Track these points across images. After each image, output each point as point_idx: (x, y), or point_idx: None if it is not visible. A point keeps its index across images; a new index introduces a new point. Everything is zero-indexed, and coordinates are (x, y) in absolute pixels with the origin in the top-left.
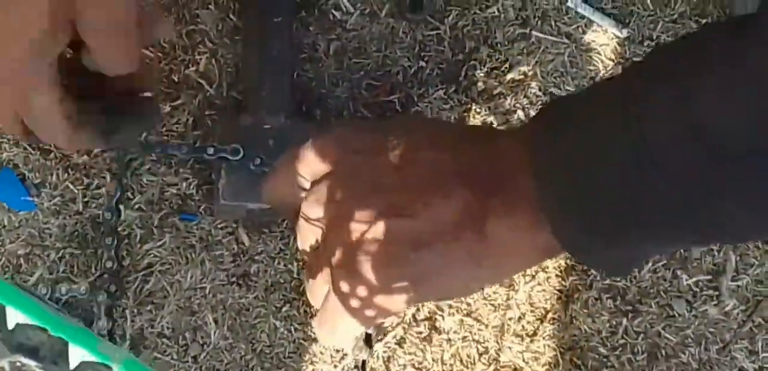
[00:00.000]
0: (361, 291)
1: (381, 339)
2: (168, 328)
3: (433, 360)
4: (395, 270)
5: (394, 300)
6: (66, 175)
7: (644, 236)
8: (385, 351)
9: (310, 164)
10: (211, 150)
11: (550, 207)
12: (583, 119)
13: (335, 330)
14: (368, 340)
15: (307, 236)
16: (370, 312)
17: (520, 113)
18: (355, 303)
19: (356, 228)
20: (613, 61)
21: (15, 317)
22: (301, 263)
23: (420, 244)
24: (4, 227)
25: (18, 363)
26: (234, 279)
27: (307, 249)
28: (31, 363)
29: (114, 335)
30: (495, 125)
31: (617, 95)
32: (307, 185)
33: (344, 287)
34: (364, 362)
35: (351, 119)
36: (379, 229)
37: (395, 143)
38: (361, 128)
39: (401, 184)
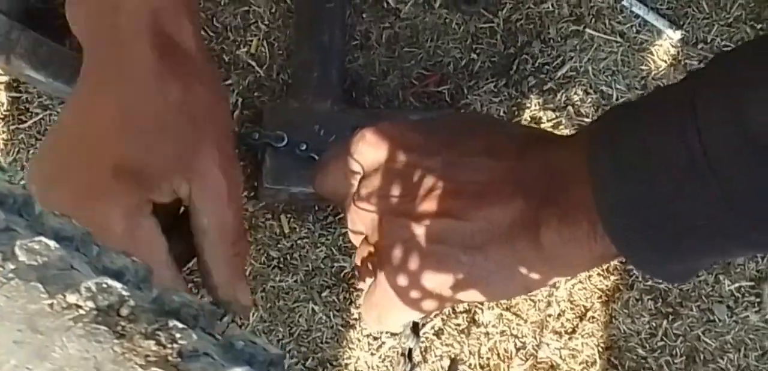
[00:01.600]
0: (411, 282)
1: (422, 328)
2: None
3: (470, 352)
4: (446, 270)
5: (442, 295)
6: None
7: (701, 245)
8: (422, 342)
9: (364, 155)
10: (256, 135)
11: (608, 217)
12: (639, 129)
13: (383, 316)
14: (415, 328)
15: (358, 223)
16: (417, 303)
17: (569, 109)
18: (404, 291)
19: (410, 225)
20: (665, 62)
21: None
22: (347, 248)
23: (472, 247)
24: None
25: (104, 284)
26: (275, 262)
27: (357, 236)
28: (117, 285)
29: None
30: (544, 122)
31: (675, 104)
32: (358, 175)
33: (395, 277)
34: (410, 350)
35: (403, 111)
36: (433, 228)
37: (451, 143)
38: (416, 124)
39: (456, 187)
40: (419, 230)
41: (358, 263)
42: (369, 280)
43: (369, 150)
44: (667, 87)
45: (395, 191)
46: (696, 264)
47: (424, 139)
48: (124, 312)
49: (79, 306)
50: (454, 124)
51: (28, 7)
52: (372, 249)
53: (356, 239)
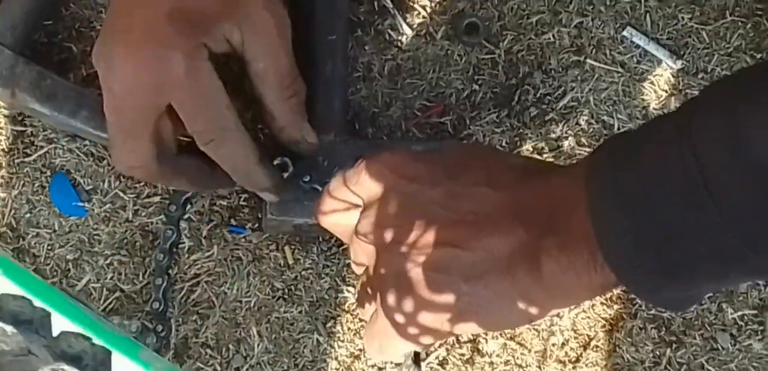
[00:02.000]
0: (411, 314)
1: (425, 360)
2: (212, 339)
3: None
4: (446, 299)
5: (442, 326)
6: (117, 182)
7: (702, 272)
8: None
9: (364, 186)
10: None
11: (607, 246)
12: (638, 158)
13: (384, 346)
14: (417, 359)
15: (360, 255)
16: (417, 335)
17: (571, 139)
18: (403, 324)
19: (410, 254)
20: (666, 92)
21: (60, 324)
22: (351, 279)
23: (472, 277)
24: (55, 231)
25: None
26: (279, 293)
27: (360, 267)
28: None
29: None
30: (546, 152)
31: (673, 131)
32: (360, 207)
33: (394, 308)
34: None
35: (405, 142)
36: (433, 257)
37: (451, 174)
38: (417, 154)
39: (457, 217)
40: (419, 260)
41: (360, 294)
42: (370, 309)
43: (369, 181)
44: (664, 115)
45: (395, 221)
46: (697, 292)
47: (424, 169)
48: None
49: None
50: (455, 155)
51: (31, 42)
52: (374, 279)
53: (358, 270)
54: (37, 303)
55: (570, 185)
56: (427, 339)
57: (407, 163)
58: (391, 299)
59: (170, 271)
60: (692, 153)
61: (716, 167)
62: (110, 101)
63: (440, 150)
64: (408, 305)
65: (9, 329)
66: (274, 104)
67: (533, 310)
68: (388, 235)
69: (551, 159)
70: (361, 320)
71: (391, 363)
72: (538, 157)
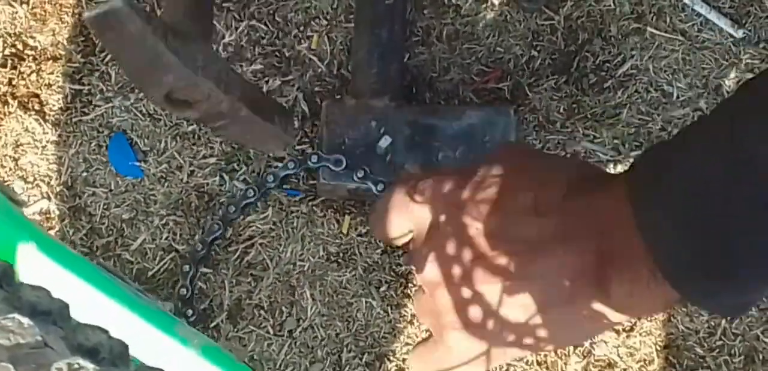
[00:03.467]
0: (470, 344)
1: None
2: (266, 301)
3: None
4: (506, 332)
5: (508, 354)
6: (174, 143)
7: (759, 273)
8: None
9: (413, 214)
10: (314, 159)
11: (664, 263)
12: (681, 168)
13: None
14: None
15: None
16: (484, 363)
17: (630, 108)
18: (462, 354)
19: (465, 289)
20: (726, 61)
21: (77, 314)
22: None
23: (532, 309)
24: (111, 191)
25: (75, 365)
26: (333, 257)
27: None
28: (89, 365)
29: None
30: (604, 119)
31: (714, 136)
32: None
33: (462, 343)
34: None
35: (462, 107)
36: (490, 293)
37: (497, 202)
38: (460, 179)
39: (509, 250)
40: (478, 292)
41: (416, 315)
42: (426, 324)
43: (418, 209)
44: (701, 122)
45: (450, 254)
46: (756, 294)
47: (472, 196)
48: None
49: None
50: (498, 175)
51: None
52: (426, 307)
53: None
54: (56, 293)
55: (616, 203)
56: (494, 364)
57: (454, 189)
58: (450, 329)
59: (202, 263)
60: (743, 159)
61: (763, 167)
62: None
63: (485, 167)
64: (469, 334)
65: (26, 321)
66: None
67: (599, 330)
68: (441, 268)
69: (610, 124)
70: (415, 285)
71: None
72: (580, 162)
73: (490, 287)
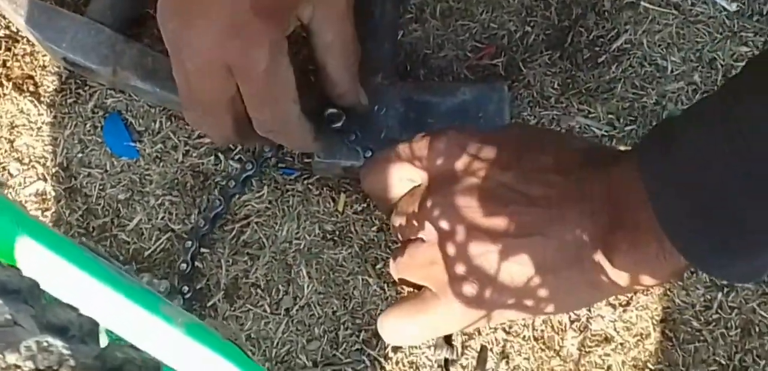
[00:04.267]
0: (479, 294)
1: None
2: (262, 279)
3: (525, 324)
4: (517, 288)
5: (509, 309)
6: (169, 123)
7: (765, 240)
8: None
9: (430, 162)
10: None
11: (672, 231)
12: (688, 142)
13: (440, 327)
14: (448, 338)
15: (410, 228)
16: (481, 315)
17: (625, 81)
18: (470, 301)
19: (482, 239)
20: (721, 34)
21: (60, 293)
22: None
23: (544, 266)
24: (107, 171)
25: (44, 343)
26: (329, 235)
27: (407, 231)
28: (58, 343)
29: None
30: (599, 94)
31: (717, 112)
32: (418, 181)
33: (462, 286)
34: (446, 360)
35: (455, 83)
36: (508, 244)
37: (520, 157)
38: (484, 135)
39: (528, 203)
40: (494, 245)
41: (405, 262)
42: (418, 274)
43: (437, 156)
44: (707, 97)
45: (467, 201)
46: (765, 261)
47: (494, 150)
48: None
49: (18, 367)
50: (521, 137)
51: (130, 19)
52: (429, 258)
53: (403, 235)
54: (37, 272)
55: (629, 174)
56: (496, 320)
57: (476, 142)
58: (459, 279)
59: (204, 240)
60: (737, 130)
61: (761, 139)
62: (181, 76)
63: (505, 131)
64: (476, 288)
65: None
66: (337, 72)
67: (601, 296)
68: (458, 216)
69: (604, 99)
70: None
71: (425, 343)
72: (595, 142)
73: (507, 240)
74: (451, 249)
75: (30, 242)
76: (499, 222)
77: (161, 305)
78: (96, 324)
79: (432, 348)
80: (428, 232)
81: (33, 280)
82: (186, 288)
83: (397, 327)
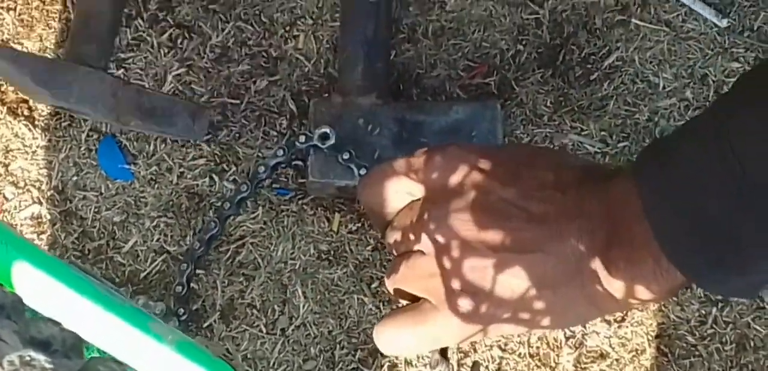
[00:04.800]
0: (482, 314)
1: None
2: (258, 299)
3: (520, 342)
4: (516, 303)
5: (505, 325)
6: (163, 145)
7: (761, 255)
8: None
9: (429, 176)
10: (302, 139)
11: (668, 247)
12: (681, 158)
13: (438, 339)
14: (444, 352)
15: (408, 243)
16: (475, 330)
17: (616, 99)
18: (471, 320)
19: (483, 254)
20: (712, 50)
21: (50, 313)
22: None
23: (543, 282)
24: (101, 194)
25: (27, 357)
26: (324, 255)
27: (403, 245)
28: (41, 357)
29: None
30: (591, 111)
31: (709, 129)
32: (416, 195)
33: (464, 305)
34: None
35: (447, 102)
36: (506, 260)
37: (519, 173)
38: (482, 150)
39: (528, 219)
40: (491, 259)
41: (399, 279)
42: (413, 285)
43: (434, 171)
44: (700, 115)
45: (470, 217)
46: (760, 277)
47: (494, 167)
48: None
49: None
50: (519, 154)
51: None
52: (429, 270)
53: (397, 249)
54: (26, 291)
55: (625, 191)
56: (492, 335)
57: (476, 157)
58: (456, 295)
59: (199, 261)
60: (729, 148)
61: (753, 156)
62: None
63: (503, 148)
64: (475, 301)
65: None
66: None
67: (600, 313)
68: (459, 230)
69: (596, 116)
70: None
71: (421, 356)
72: (591, 161)
73: (506, 256)
74: (449, 263)
75: (26, 266)
76: (498, 237)
77: (150, 322)
78: (79, 339)
79: (427, 367)
80: (427, 245)
81: (16, 295)
82: (182, 310)
83: (394, 337)
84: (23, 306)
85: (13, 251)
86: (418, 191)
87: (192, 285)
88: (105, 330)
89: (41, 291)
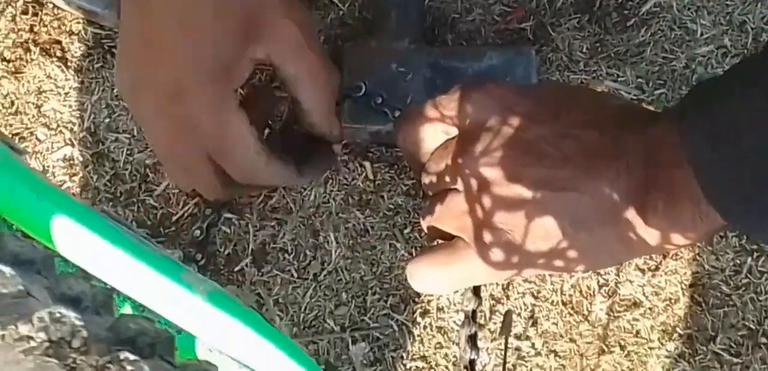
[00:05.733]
0: (511, 249)
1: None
2: (290, 244)
3: (553, 289)
4: (550, 242)
5: (539, 263)
6: None
7: None
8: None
9: (466, 113)
10: None
11: (710, 190)
12: (728, 100)
13: (468, 278)
14: (477, 290)
15: (444, 180)
16: (509, 269)
17: (654, 46)
18: (500, 259)
19: (518, 192)
20: None
21: (79, 261)
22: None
23: (578, 222)
24: (134, 136)
25: (57, 314)
26: (357, 200)
27: (438, 185)
28: (71, 314)
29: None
30: (628, 57)
31: (758, 69)
32: (452, 133)
33: (492, 241)
34: (473, 311)
35: (485, 48)
36: (543, 198)
37: (556, 112)
38: (519, 89)
39: (564, 158)
40: (527, 196)
41: (439, 214)
42: (450, 225)
43: (470, 109)
44: (750, 57)
45: (501, 153)
46: None
47: (530, 105)
48: (76, 343)
49: (31, 338)
50: (557, 93)
51: None
52: (464, 208)
53: (434, 188)
54: (39, 243)
55: (665, 133)
56: (525, 273)
57: (513, 96)
58: (490, 232)
59: (224, 209)
60: None
61: None
62: (151, 141)
63: (540, 87)
64: (509, 240)
65: (8, 270)
66: (308, 102)
67: (633, 256)
68: (494, 167)
69: (633, 62)
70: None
71: (453, 302)
72: (631, 102)
73: (541, 194)
74: (482, 200)
75: (64, 219)
76: (532, 175)
77: (182, 273)
78: (110, 296)
79: (460, 313)
80: (461, 183)
81: (47, 250)
82: (199, 256)
83: (427, 275)
84: (53, 261)
85: (50, 204)
86: (453, 129)
87: (223, 228)
88: (137, 280)
89: (77, 243)
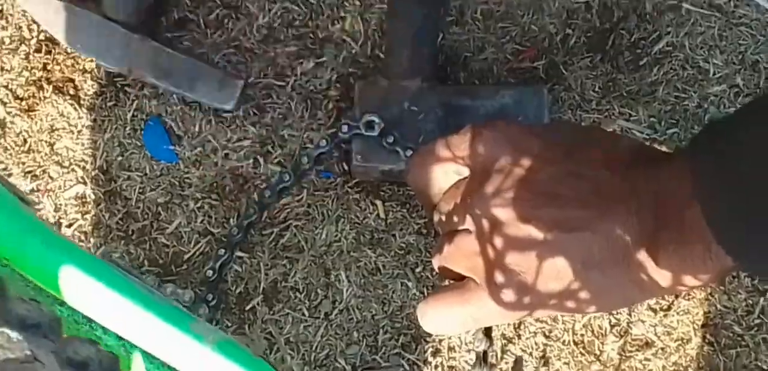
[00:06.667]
0: (520, 292)
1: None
2: (301, 283)
3: (565, 329)
4: (562, 283)
5: (550, 305)
6: (208, 126)
7: None
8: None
9: (474, 153)
10: (345, 128)
11: (720, 231)
12: (739, 141)
13: (482, 319)
14: (488, 331)
15: (455, 221)
16: (521, 311)
17: (666, 85)
18: (512, 300)
19: (530, 232)
20: (764, 36)
21: (105, 300)
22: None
23: (591, 263)
24: (146, 174)
25: None
26: (368, 239)
27: (446, 225)
28: None
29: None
30: (640, 96)
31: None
32: (464, 173)
33: (505, 282)
34: (485, 352)
35: (497, 86)
36: (553, 240)
37: (569, 152)
38: (531, 128)
39: (576, 198)
40: (539, 237)
41: (448, 254)
42: (462, 266)
43: (482, 149)
44: (758, 98)
45: (513, 194)
46: None
47: (543, 145)
48: None
49: None
50: (569, 132)
51: (141, 10)
52: (475, 248)
53: (444, 228)
54: (45, 307)
55: (677, 173)
56: (537, 314)
57: (524, 135)
58: (502, 273)
59: (239, 247)
60: None
61: None
62: None
63: (552, 126)
64: (521, 281)
65: (14, 335)
66: None
67: (646, 297)
68: (506, 207)
69: (646, 102)
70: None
71: (464, 342)
72: (642, 142)
73: (554, 235)
74: (494, 241)
75: (72, 269)
76: (544, 216)
77: (191, 323)
78: (116, 360)
79: (471, 352)
80: (472, 223)
81: (54, 314)
82: (210, 296)
83: (438, 315)
84: (60, 324)
85: (59, 254)
86: (465, 169)
87: (235, 267)
88: (146, 331)
89: (86, 293)
